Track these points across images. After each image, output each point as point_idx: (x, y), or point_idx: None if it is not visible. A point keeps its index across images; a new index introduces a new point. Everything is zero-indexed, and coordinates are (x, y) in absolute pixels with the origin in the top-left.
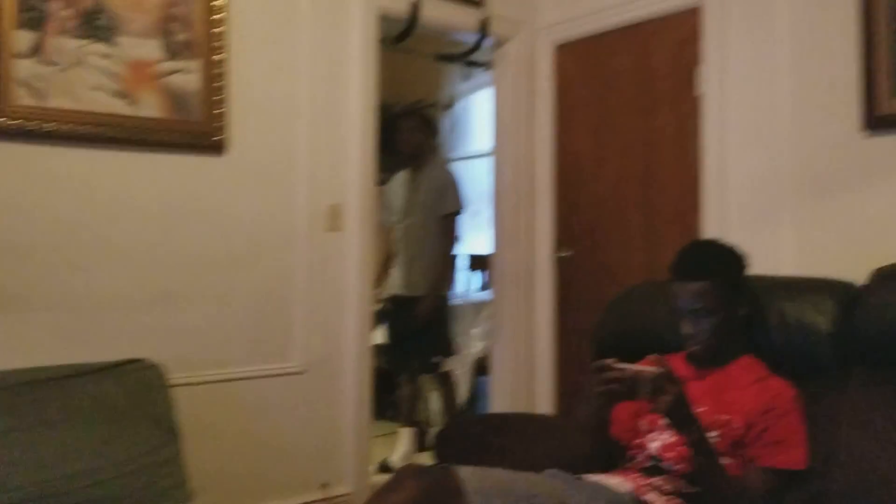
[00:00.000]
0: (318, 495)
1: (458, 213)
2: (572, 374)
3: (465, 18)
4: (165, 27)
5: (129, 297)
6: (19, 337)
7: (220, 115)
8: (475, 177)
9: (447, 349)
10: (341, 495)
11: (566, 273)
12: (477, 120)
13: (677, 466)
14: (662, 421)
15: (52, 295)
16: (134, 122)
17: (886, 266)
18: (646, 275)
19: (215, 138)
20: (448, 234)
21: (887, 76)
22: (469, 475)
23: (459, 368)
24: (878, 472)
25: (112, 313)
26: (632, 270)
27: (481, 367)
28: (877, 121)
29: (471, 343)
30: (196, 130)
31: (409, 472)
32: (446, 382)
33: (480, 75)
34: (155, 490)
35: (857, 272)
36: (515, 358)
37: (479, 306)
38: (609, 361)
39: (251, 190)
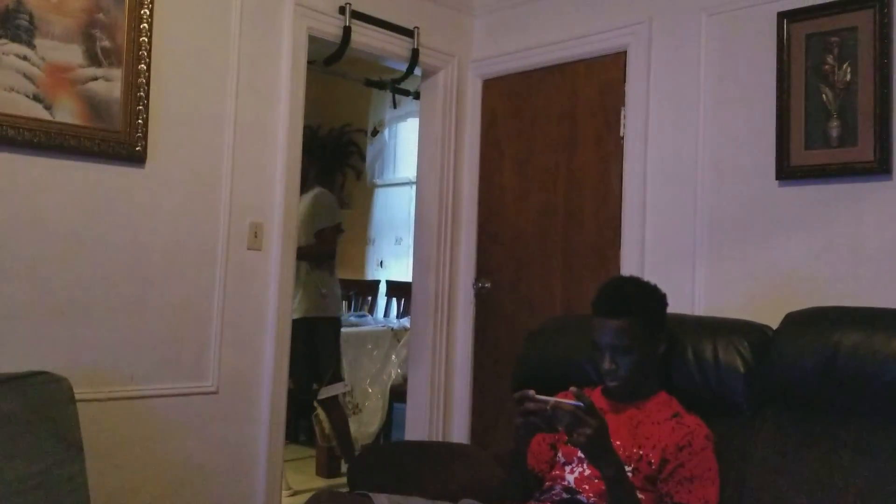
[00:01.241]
0: None
1: (330, 227)
2: (489, 405)
3: (396, 47)
4: (88, 32)
5: (36, 306)
6: None
7: (141, 126)
8: (398, 204)
9: (325, 375)
10: None
11: (486, 304)
12: (403, 148)
13: (593, 499)
14: (580, 453)
15: None
16: (50, 127)
17: (797, 311)
18: (565, 308)
19: (135, 148)
20: (321, 247)
21: (801, 129)
22: (385, 502)
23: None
24: None
25: (17, 322)
26: (551, 304)
27: (398, 395)
28: (790, 171)
29: (388, 370)
30: (115, 139)
31: (324, 498)
32: (333, 409)
33: (408, 104)
34: None
35: (768, 316)
36: (432, 386)
37: (397, 333)
38: (529, 393)
39: (171, 203)
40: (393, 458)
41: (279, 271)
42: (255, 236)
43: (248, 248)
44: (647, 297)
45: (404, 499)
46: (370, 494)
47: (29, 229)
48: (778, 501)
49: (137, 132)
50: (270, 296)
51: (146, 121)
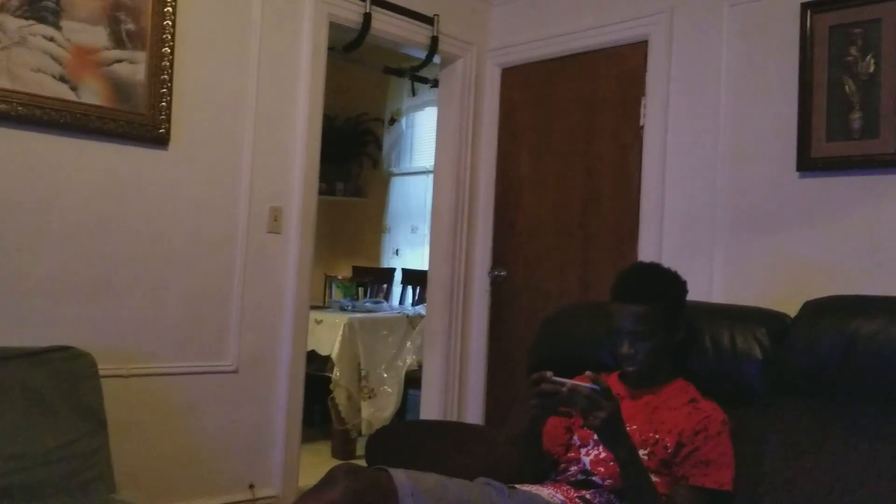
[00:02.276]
0: (245, 496)
1: None
2: (503, 392)
3: (416, 34)
4: (113, 15)
5: (62, 284)
6: None
7: (165, 108)
8: (415, 193)
9: None
10: (268, 497)
11: (501, 292)
12: (419, 137)
13: (607, 481)
14: (595, 436)
15: None
16: (75, 108)
17: (815, 299)
18: (581, 298)
19: (159, 131)
20: None
21: (822, 121)
22: (402, 477)
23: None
24: (802, 496)
25: (43, 299)
26: (567, 293)
27: (412, 381)
28: (811, 163)
29: (403, 356)
30: (139, 121)
31: (343, 471)
32: None
33: (426, 93)
34: (78, 480)
35: (786, 306)
36: (447, 373)
37: (412, 320)
38: (547, 374)
39: (193, 185)
40: (410, 436)
41: (298, 255)
42: (275, 220)
43: (268, 232)
44: (667, 284)
45: (421, 474)
46: (388, 469)
47: (53, 208)
48: (794, 487)
49: (161, 115)
50: (289, 280)
51: (170, 104)
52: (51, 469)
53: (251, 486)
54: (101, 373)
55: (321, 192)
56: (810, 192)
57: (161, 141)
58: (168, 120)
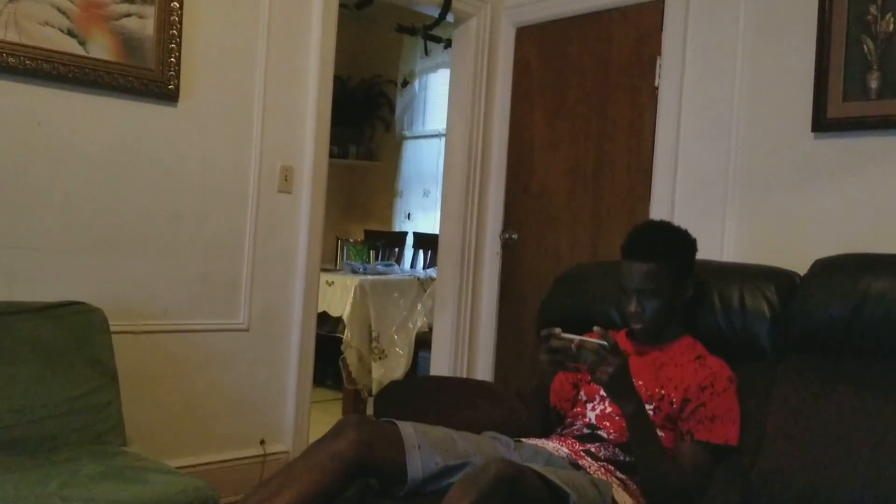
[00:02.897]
0: (257, 451)
1: None
2: (513, 354)
3: None
4: None
5: (73, 240)
6: None
7: (174, 64)
8: (427, 157)
9: None
10: (280, 452)
11: (512, 255)
12: (432, 100)
13: (612, 435)
14: (602, 391)
15: None
16: (84, 62)
17: (826, 258)
18: (591, 260)
19: (168, 87)
20: None
21: (839, 81)
22: (409, 429)
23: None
24: (806, 452)
25: (54, 255)
26: (578, 255)
27: (423, 343)
28: (827, 123)
29: (414, 318)
30: (148, 77)
31: (351, 422)
32: None
33: (439, 54)
34: (91, 432)
35: (797, 267)
36: (457, 335)
37: (423, 283)
38: (556, 330)
39: (203, 142)
40: (418, 390)
41: (309, 215)
42: (286, 180)
43: (279, 192)
44: (677, 242)
45: (428, 427)
46: (395, 421)
47: (63, 163)
48: (801, 443)
49: (170, 70)
50: (300, 239)
51: (178, 59)
52: (63, 421)
53: (262, 442)
54: (113, 329)
55: (333, 156)
56: (825, 152)
57: (170, 97)
58: (177, 76)
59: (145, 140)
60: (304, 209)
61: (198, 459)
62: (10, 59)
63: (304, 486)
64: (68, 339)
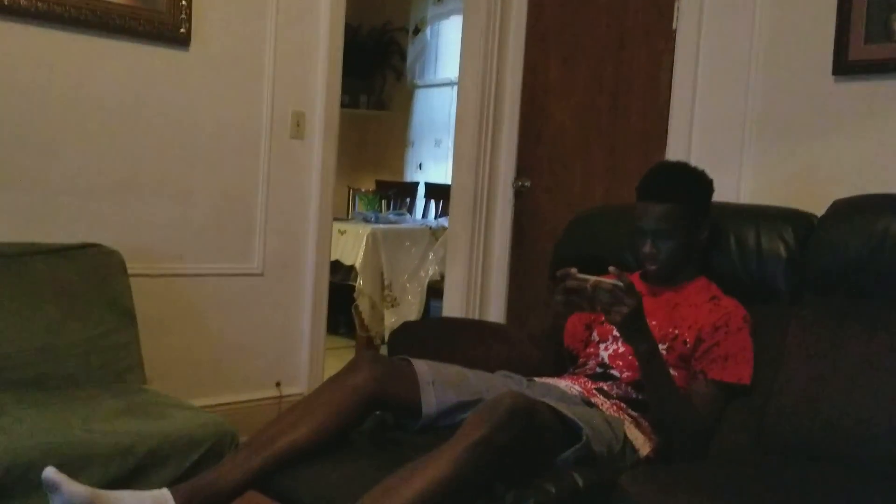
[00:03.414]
0: (273, 393)
1: None
2: (525, 303)
3: None
4: None
5: (89, 183)
6: None
7: (185, 7)
8: (439, 106)
9: None
10: (295, 394)
11: (525, 203)
12: (444, 48)
13: (625, 374)
14: (615, 332)
15: (8, 174)
16: (96, 5)
17: (845, 198)
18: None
19: (179, 31)
20: None
21: (861, 22)
22: (423, 366)
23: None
24: (819, 392)
25: (70, 198)
26: (592, 202)
27: (435, 292)
28: (848, 66)
29: (426, 267)
30: (159, 20)
31: (366, 358)
32: None
33: (451, 0)
34: (111, 371)
35: (816, 210)
36: (469, 284)
37: (435, 232)
38: (571, 271)
39: (214, 87)
40: (432, 331)
41: (321, 162)
42: (298, 125)
43: (291, 138)
44: (693, 183)
45: (442, 365)
46: (410, 359)
47: (76, 108)
48: (815, 383)
49: (181, 14)
50: (313, 185)
51: (190, 3)
52: (84, 360)
53: (278, 384)
54: (130, 272)
55: (345, 106)
56: (846, 96)
57: (182, 41)
58: (188, 19)
59: (157, 84)
60: (317, 155)
61: (215, 400)
62: (22, 2)
63: (320, 419)
64: (87, 281)
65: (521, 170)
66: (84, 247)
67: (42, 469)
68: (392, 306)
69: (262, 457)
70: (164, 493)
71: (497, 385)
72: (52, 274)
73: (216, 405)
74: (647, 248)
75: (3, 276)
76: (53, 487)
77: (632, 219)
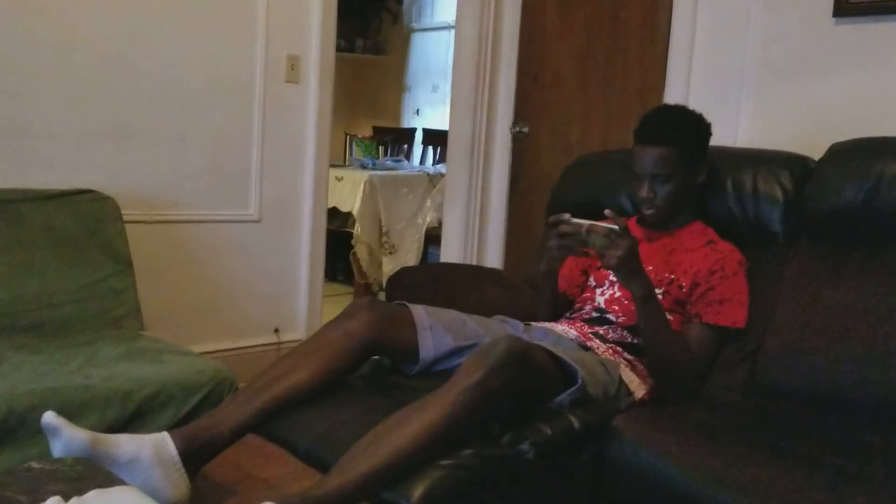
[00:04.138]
0: (271, 339)
1: None
2: (522, 249)
3: None
4: None
5: (79, 128)
6: None
7: None
8: (436, 50)
9: None
10: (293, 340)
11: (523, 149)
12: None
13: (621, 318)
14: (611, 276)
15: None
16: None
17: (842, 142)
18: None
19: None
20: None
21: None
22: (421, 311)
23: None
24: (813, 335)
25: (63, 144)
26: (589, 148)
27: (432, 239)
28: (848, 7)
29: (423, 213)
30: None
31: (363, 303)
32: None
33: None
34: (108, 317)
35: (814, 154)
36: (466, 230)
37: (433, 178)
38: (565, 216)
39: (206, 29)
40: (429, 275)
41: (317, 106)
42: (292, 69)
43: (286, 82)
44: (690, 126)
45: (439, 310)
46: (407, 304)
47: (68, 51)
48: (809, 326)
49: None
50: (308, 130)
51: None
52: (81, 306)
53: (276, 330)
54: (125, 218)
55: (340, 50)
56: (846, 38)
57: None
58: None
59: (149, 26)
60: (312, 100)
61: (213, 346)
62: None
63: (318, 363)
64: (81, 227)
65: (519, 115)
66: (78, 193)
67: (41, 414)
68: (390, 253)
69: (260, 401)
70: (164, 437)
71: (494, 329)
72: (46, 220)
73: (214, 351)
74: (644, 192)
75: None
76: (53, 431)
77: (629, 164)
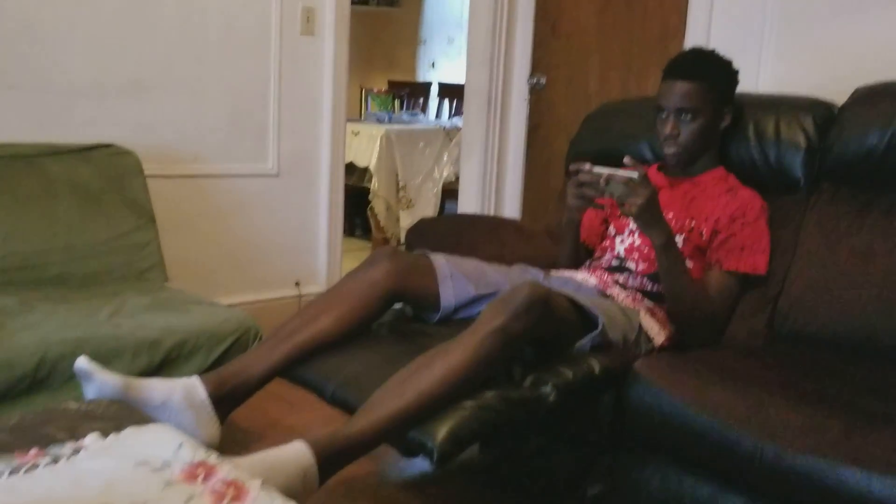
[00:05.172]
0: (292, 292)
1: None
2: (540, 202)
3: None
4: None
5: (98, 82)
6: None
7: None
8: (452, 1)
9: None
10: (313, 293)
11: (540, 100)
12: None
13: (641, 267)
14: (631, 224)
15: (20, 74)
16: None
17: (866, 86)
18: None
19: None
20: None
21: None
22: (441, 260)
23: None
24: (835, 281)
25: (82, 98)
26: (609, 98)
27: (449, 193)
28: None
29: (440, 168)
30: None
31: (385, 252)
32: None
33: None
34: (133, 269)
35: (837, 100)
36: (483, 183)
37: (449, 133)
38: (585, 165)
39: None
40: (448, 227)
41: (334, 59)
42: (308, 21)
43: (302, 34)
44: (721, 66)
45: (461, 259)
46: (428, 253)
47: (85, 5)
48: (831, 271)
49: None
50: (325, 84)
51: None
52: (105, 259)
53: (297, 283)
54: (146, 172)
55: (355, 2)
56: None
57: None
58: None
59: None
60: (328, 52)
61: (235, 299)
62: None
63: (341, 311)
64: (104, 181)
65: (537, 66)
66: (99, 147)
67: (73, 362)
68: (407, 208)
69: (287, 347)
70: (194, 381)
71: (514, 278)
72: (68, 175)
73: (236, 304)
74: (668, 129)
75: (20, 177)
76: (86, 376)
77: (648, 111)
